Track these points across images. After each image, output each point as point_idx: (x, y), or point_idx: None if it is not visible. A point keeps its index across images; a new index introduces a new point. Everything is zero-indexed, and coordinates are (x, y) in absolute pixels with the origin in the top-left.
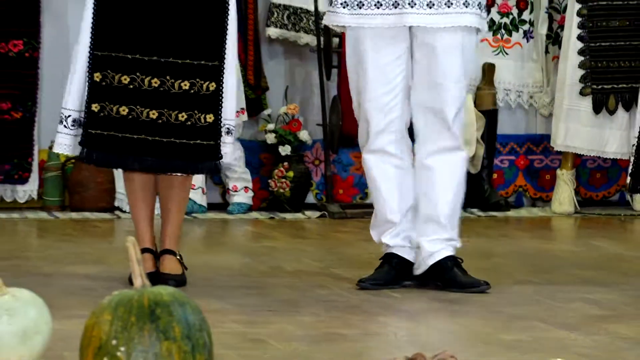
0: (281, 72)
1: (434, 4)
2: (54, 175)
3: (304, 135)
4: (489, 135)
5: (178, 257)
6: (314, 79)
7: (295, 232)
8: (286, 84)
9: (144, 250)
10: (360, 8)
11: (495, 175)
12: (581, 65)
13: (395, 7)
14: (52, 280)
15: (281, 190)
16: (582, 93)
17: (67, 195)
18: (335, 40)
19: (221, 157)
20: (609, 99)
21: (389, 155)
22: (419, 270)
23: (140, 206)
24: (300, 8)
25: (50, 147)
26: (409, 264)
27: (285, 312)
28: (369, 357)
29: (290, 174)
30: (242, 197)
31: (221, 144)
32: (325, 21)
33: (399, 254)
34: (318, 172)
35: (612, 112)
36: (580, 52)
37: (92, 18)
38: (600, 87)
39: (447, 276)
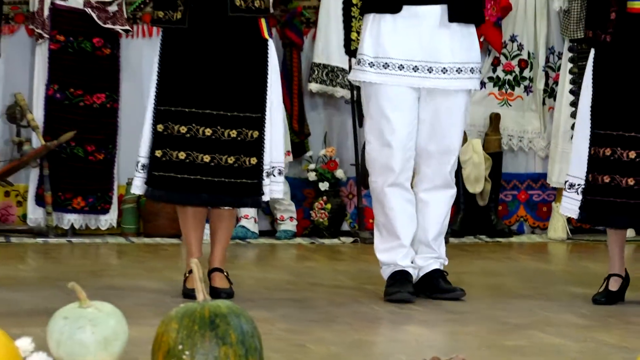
0: (321, 120)
1: (447, 70)
2: (131, 206)
3: (339, 173)
4: (495, 174)
5: (225, 273)
6: (348, 126)
7: (332, 255)
8: (325, 130)
9: (191, 271)
10: (385, 68)
11: (500, 207)
12: (572, 115)
13: (415, 71)
14: (128, 294)
15: (320, 220)
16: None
17: (141, 224)
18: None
19: (262, 194)
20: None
21: (405, 189)
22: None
23: (192, 234)
24: (337, 67)
25: (128, 183)
26: (412, 279)
27: (322, 322)
28: (394, 359)
29: (328, 206)
30: (288, 225)
31: (272, 182)
32: (351, 77)
33: (409, 271)
34: (351, 205)
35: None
36: (572, 104)
37: (157, 78)
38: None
39: (432, 284)
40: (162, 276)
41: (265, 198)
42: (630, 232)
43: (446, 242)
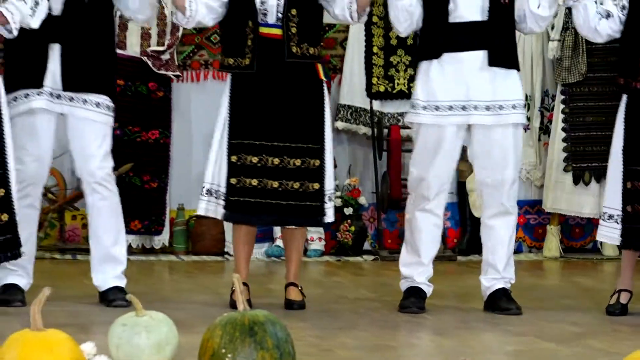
0: (346, 154)
1: (490, 108)
2: (181, 228)
3: (362, 200)
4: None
5: (299, 287)
6: (369, 159)
7: (355, 271)
8: (349, 162)
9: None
10: (437, 110)
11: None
12: (564, 150)
13: (464, 110)
14: (178, 305)
15: (345, 240)
16: (565, 170)
17: (190, 243)
18: (385, 131)
19: (324, 214)
20: (585, 174)
21: (436, 215)
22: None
23: (242, 249)
24: (360, 107)
25: (178, 208)
26: (425, 295)
27: (347, 329)
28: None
29: (352, 228)
30: (317, 245)
31: (327, 207)
32: (407, 119)
33: (422, 288)
34: (372, 227)
35: (587, 184)
36: (564, 140)
37: (227, 116)
38: (578, 165)
39: (495, 303)
40: (208, 289)
41: (328, 219)
42: None
43: (454, 260)
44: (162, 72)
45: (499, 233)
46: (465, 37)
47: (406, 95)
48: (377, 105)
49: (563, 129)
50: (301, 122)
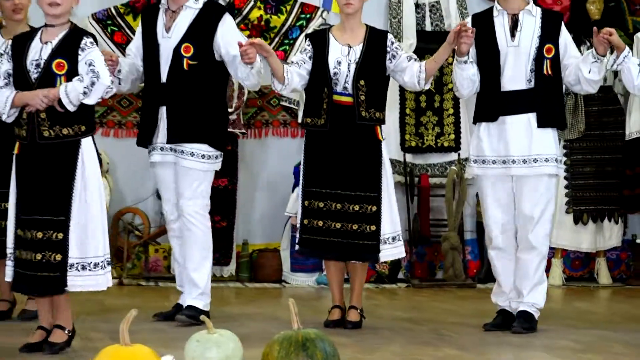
0: None
1: (526, 161)
2: (245, 260)
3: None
4: None
5: (359, 310)
6: (403, 203)
7: (391, 296)
8: None
9: (335, 306)
10: (483, 164)
11: None
12: (566, 195)
13: (504, 164)
14: (243, 324)
15: (383, 271)
16: (567, 211)
17: (252, 273)
18: (416, 179)
19: (379, 252)
20: (584, 216)
21: (503, 251)
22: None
23: (333, 279)
24: (395, 159)
25: (243, 243)
26: (511, 316)
27: (384, 345)
28: None
29: (389, 260)
30: None
31: (395, 246)
32: (468, 173)
33: (507, 309)
34: (405, 260)
35: (585, 224)
36: (566, 187)
37: (304, 167)
38: (578, 208)
39: (515, 321)
40: (268, 311)
41: (395, 257)
42: None
43: (474, 287)
44: (230, 130)
45: (525, 265)
46: (514, 103)
47: (433, 149)
48: (409, 157)
49: (565, 177)
50: (360, 174)
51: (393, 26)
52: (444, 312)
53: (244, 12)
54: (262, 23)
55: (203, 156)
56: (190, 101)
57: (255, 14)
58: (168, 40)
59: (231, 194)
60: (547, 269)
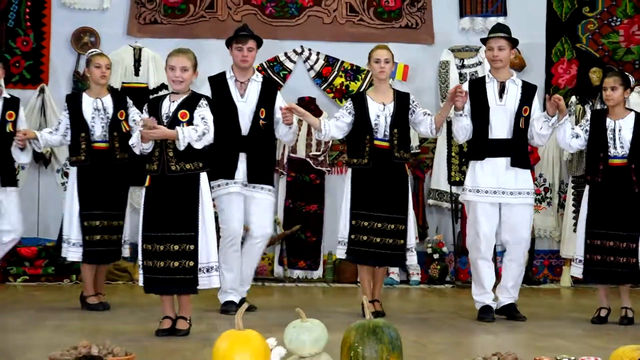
0: (434, 220)
1: (513, 193)
2: (330, 266)
3: (445, 249)
4: (531, 250)
5: (380, 302)
6: (450, 223)
7: (440, 294)
8: (436, 225)
9: (374, 300)
10: (478, 192)
11: (533, 268)
12: (573, 218)
13: (495, 194)
14: (328, 314)
15: (434, 274)
16: (573, 231)
17: (335, 276)
18: (459, 205)
19: (406, 260)
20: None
21: (487, 260)
22: (497, 310)
23: (366, 278)
24: (444, 190)
25: (328, 253)
26: (492, 310)
27: (435, 332)
28: (483, 350)
29: (438, 267)
30: (415, 277)
31: (409, 255)
32: (460, 197)
33: (492, 306)
34: (451, 266)
35: None
36: (573, 212)
37: (350, 196)
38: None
39: (509, 312)
40: (348, 305)
41: (410, 262)
42: None
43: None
44: (319, 167)
45: (512, 270)
46: (498, 148)
47: None
48: (454, 189)
49: (572, 205)
50: (394, 200)
51: (442, 89)
52: None
53: (329, 79)
54: (343, 87)
55: (270, 190)
56: (263, 150)
57: (338, 80)
58: (244, 104)
59: (319, 216)
60: (559, 274)
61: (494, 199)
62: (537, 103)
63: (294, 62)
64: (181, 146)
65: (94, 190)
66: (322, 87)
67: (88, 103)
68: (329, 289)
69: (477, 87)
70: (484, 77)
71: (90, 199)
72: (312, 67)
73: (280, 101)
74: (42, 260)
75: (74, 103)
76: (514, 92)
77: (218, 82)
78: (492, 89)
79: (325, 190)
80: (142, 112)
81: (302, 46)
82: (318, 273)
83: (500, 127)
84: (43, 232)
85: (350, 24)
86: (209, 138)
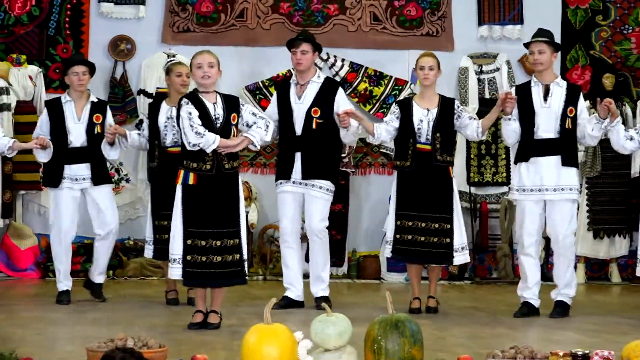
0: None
1: (556, 190)
2: (354, 263)
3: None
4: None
5: (435, 299)
6: (469, 222)
7: (460, 290)
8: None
9: (415, 298)
10: (524, 191)
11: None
12: (588, 217)
13: (539, 191)
14: (352, 309)
15: (454, 271)
16: (588, 229)
17: (359, 272)
18: (478, 205)
19: (453, 257)
20: (600, 232)
21: (530, 256)
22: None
23: (414, 277)
24: (463, 190)
25: (352, 250)
26: (534, 309)
27: (455, 325)
28: (500, 343)
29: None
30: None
31: (457, 254)
32: (509, 196)
33: (531, 302)
34: (470, 263)
35: (602, 238)
36: (587, 212)
37: (395, 198)
38: (596, 227)
39: (553, 309)
40: (370, 300)
41: (459, 262)
42: None
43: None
44: (344, 169)
45: (560, 267)
46: (544, 148)
47: (491, 183)
48: (473, 189)
49: (587, 205)
50: (438, 201)
51: (461, 94)
52: (498, 302)
53: (354, 85)
54: (367, 93)
55: (327, 189)
56: (318, 149)
57: (362, 86)
58: (300, 105)
59: (344, 215)
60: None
61: (538, 196)
62: (583, 103)
63: (320, 69)
64: (258, 146)
65: (165, 193)
66: (347, 92)
67: (164, 111)
68: (353, 285)
69: (523, 91)
70: (529, 82)
71: (162, 201)
72: (337, 73)
73: (343, 101)
74: (81, 257)
75: (152, 111)
76: (558, 93)
77: (282, 86)
78: (537, 92)
79: (349, 191)
80: (185, 110)
81: (327, 53)
82: (343, 269)
83: (546, 128)
84: (81, 229)
85: (374, 32)
86: (273, 127)
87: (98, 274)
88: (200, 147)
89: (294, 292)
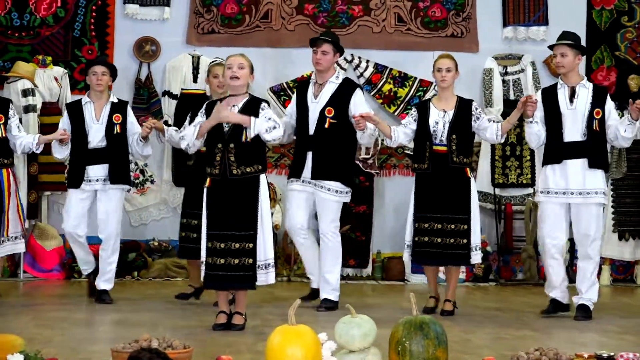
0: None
1: (582, 193)
2: (379, 264)
3: (489, 248)
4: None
5: (452, 302)
6: (493, 224)
7: (484, 292)
8: (480, 226)
9: (432, 297)
10: (548, 194)
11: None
12: (613, 219)
13: (564, 194)
14: (377, 310)
15: (478, 273)
16: (613, 231)
17: (384, 273)
18: (502, 207)
19: (470, 258)
20: (625, 234)
21: (554, 258)
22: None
23: (431, 277)
24: (488, 192)
25: (377, 252)
26: (562, 305)
27: (479, 326)
28: (525, 345)
29: (482, 265)
30: (461, 275)
31: (473, 254)
32: (535, 199)
33: (559, 300)
34: (495, 265)
35: (627, 240)
36: (613, 213)
37: (414, 198)
38: (621, 228)
39: (576, 313)
40: (394, 302)
41: (475, 262)
42: None
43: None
44: (368, 170)
45: (584, 270)
46: (571, 150)
47: (515, 185)
48: (498, 191)
49: (612, 206)
50: (455, 201)
51: (486, 96)
52: (523, 304)
53: (379, 86)
54: (391, 94)
55: (336, 191)
56: (329, 149)
57: (387, 87)
58: (316, 105)
59: (368, 216)
60: (599, 273)
61: (562, 199)
62: (610, 104)
63: (345, 70)
64: (251, 133)
65: (197, 192)
66: (372, 93)
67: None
68: (377, 286)
69: (550, 94)
70: (556, 84)
71: (192, 200)
72: (362, 74)
73: (360, 102)
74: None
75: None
76: (584, 95)
77: (302, 85)
78: (563, 94)
79: (374, 192)
80: (199, 116)
81: (352, 54)
82: (367, 271)
83: (573, 131)
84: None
85: (399, 33)
86: (279, 133)
87: (103, 281)
88: (188, 145)
89: (315, 281)
